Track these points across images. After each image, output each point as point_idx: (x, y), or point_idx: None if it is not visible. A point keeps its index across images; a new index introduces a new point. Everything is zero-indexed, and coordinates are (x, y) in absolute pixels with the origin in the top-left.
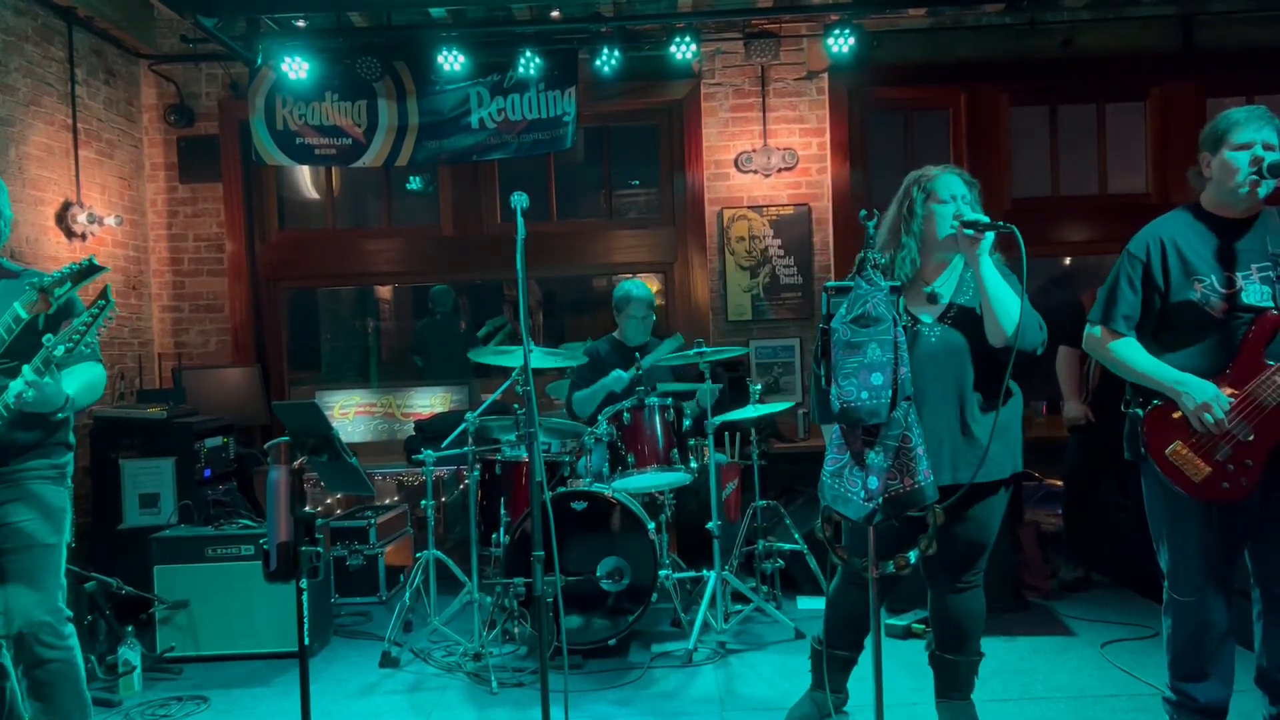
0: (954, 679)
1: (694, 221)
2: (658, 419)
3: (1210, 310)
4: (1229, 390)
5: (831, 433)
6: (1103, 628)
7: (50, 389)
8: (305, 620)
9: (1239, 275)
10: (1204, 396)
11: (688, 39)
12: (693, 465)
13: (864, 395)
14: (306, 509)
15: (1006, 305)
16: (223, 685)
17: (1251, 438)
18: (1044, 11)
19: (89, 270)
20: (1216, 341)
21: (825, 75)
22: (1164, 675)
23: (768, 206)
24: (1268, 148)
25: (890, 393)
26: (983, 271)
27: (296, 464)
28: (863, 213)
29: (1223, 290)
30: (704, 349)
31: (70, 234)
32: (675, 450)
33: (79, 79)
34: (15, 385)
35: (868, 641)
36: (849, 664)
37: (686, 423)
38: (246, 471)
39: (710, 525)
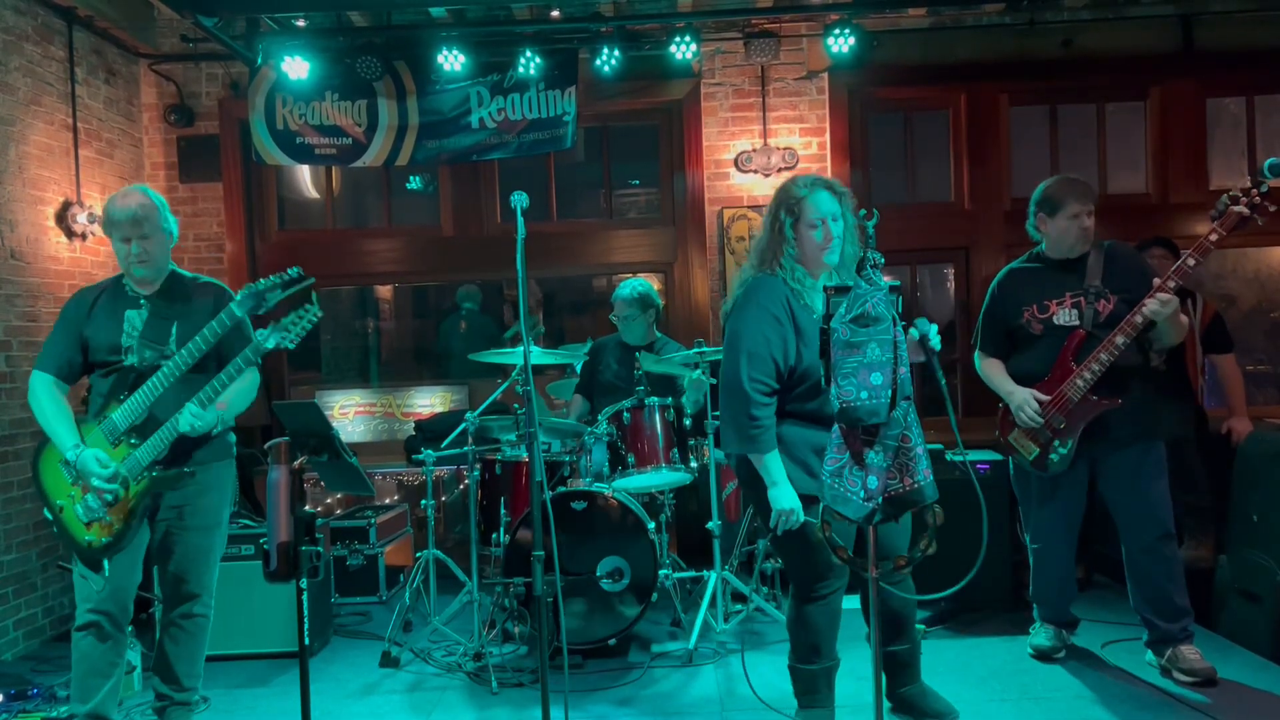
0: (909, 669)
1: (694, 221)
2: (658, 418)
3: (1031, 330)
4: (1044, 392)
5: (776, 461)
6: (1103, 628)
7: (210, 417)
8: (305, 620)
9: (1054, 302)
10: (1016, 402)
11: (688, 39)
12: (693, 465)
13: (863, 395)
14: (306, 509)
15: None
16: (223, 685)
17: (1063, 425)
18: (1044, 11)
19: (297, 280)
20: (1042, 351)
21: (825, 75)
22: (1155, 674)
23: (768, 206)
24: (1090, 215)
25: (890, 392)
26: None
27: (296, 464)
28: (862, 212)
29: (1040, 315)
30: (704, 349)
31: (70, 234)
32: (675, 450)
33: (79, 78)
34: (184, 418)
35: (855, 643)
36: (835, 672)
37: (687, 422)
38: (247, 472)
39: (710, 525)
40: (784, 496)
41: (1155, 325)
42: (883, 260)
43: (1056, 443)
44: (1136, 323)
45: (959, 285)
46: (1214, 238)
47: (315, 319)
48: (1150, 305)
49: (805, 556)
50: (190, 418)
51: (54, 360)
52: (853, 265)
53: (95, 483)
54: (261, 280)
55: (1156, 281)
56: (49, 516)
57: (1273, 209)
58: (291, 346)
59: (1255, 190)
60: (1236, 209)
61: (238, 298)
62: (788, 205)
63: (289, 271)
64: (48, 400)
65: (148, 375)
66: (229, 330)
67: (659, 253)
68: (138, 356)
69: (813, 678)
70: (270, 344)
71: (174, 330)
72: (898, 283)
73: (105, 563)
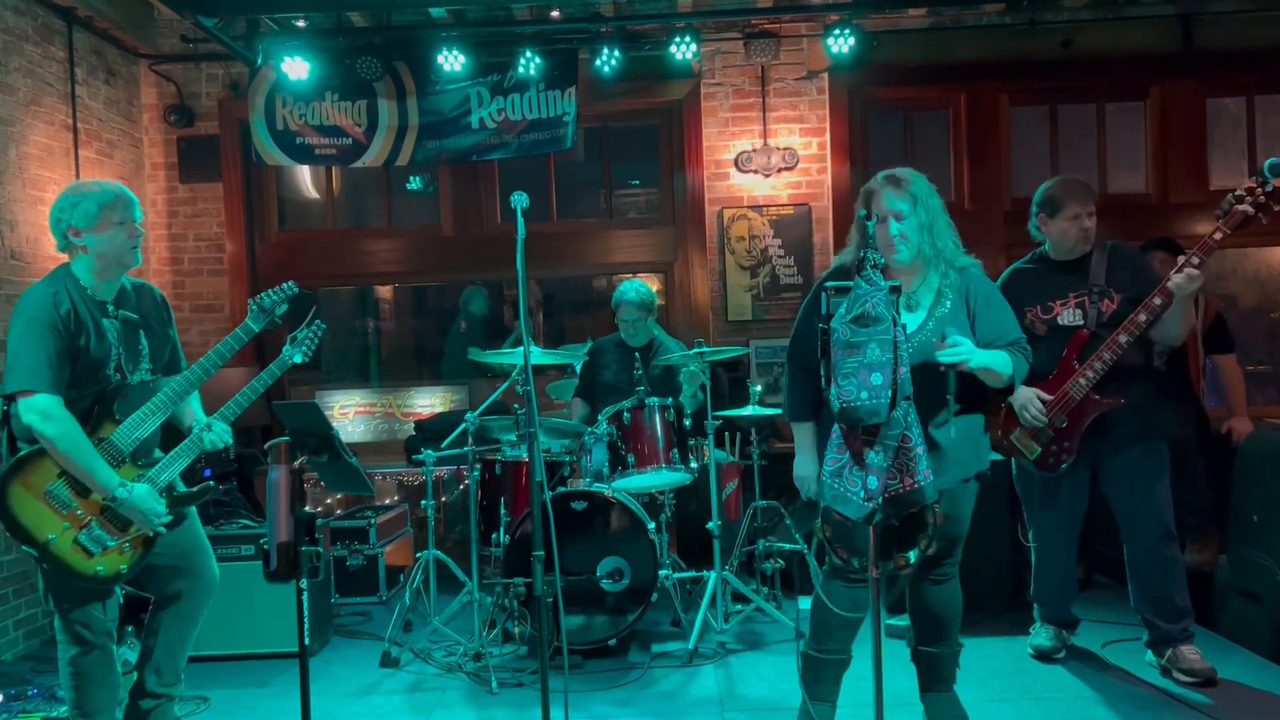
0: (937, 672)
1: (694, 221)
2: (658, 418)
3: (1035, 330)
4: (1047, 391)
5: (802, 433)
6: (1103, 628)
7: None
8: (305, 620)
9: (1058, 303)
10: (1019, 401)
11: (688, 39)
12: (693, 465)
13: (864, 395)
14: (306, 509)
15: (1000, 369)
16: (223, 685)
17: (1066, 424)
18: (1044, 11)
19: (299, 296)
20: (1045, 351)
21: (825, 75)
22: (1155, 674)
23: (768, 206)
24: (1090, 216)
25: (890, 392)
26: (977, 366)
27: (296, 464)
28: (862, 212)
29: (1044, 316)
30: (704, 349)
31: None
32: (675, 450)
33: (79, 79)
34: (217, 436)
35: (856, 644)
36: (844, 667)
37: (687, 422)
38: (246, 471)
39: (710, 525)
40: (799, 464)
41: (1159, 322)
42: (883, 260)
43: (1065, 443)
44: (1140, 321)
45: None
46: (1218, 236)
47: (321, 331)
48: (1176, 279)
49: (836, 537)
50: (224, 435)
51: (55, 380)
52: (935, 261)
53: (155, 522)
54: (265, 297)
55: (1181, 258)
56: (32, 553)
57: (1277, 208)
58: (306, 360)
59: (1260, 189)
60: (1241, 208)
61: (250, 315)
62: (864, 200)
63: (286, 286)
64: (78, 430)
65: (135, 392)
66: (173, 340)
67: (659, 253)
68: (127, 374)
69: (820, 667)
70: (297, 359)
71: (143, 340)
72: (898, 283)
73: (118, 589)
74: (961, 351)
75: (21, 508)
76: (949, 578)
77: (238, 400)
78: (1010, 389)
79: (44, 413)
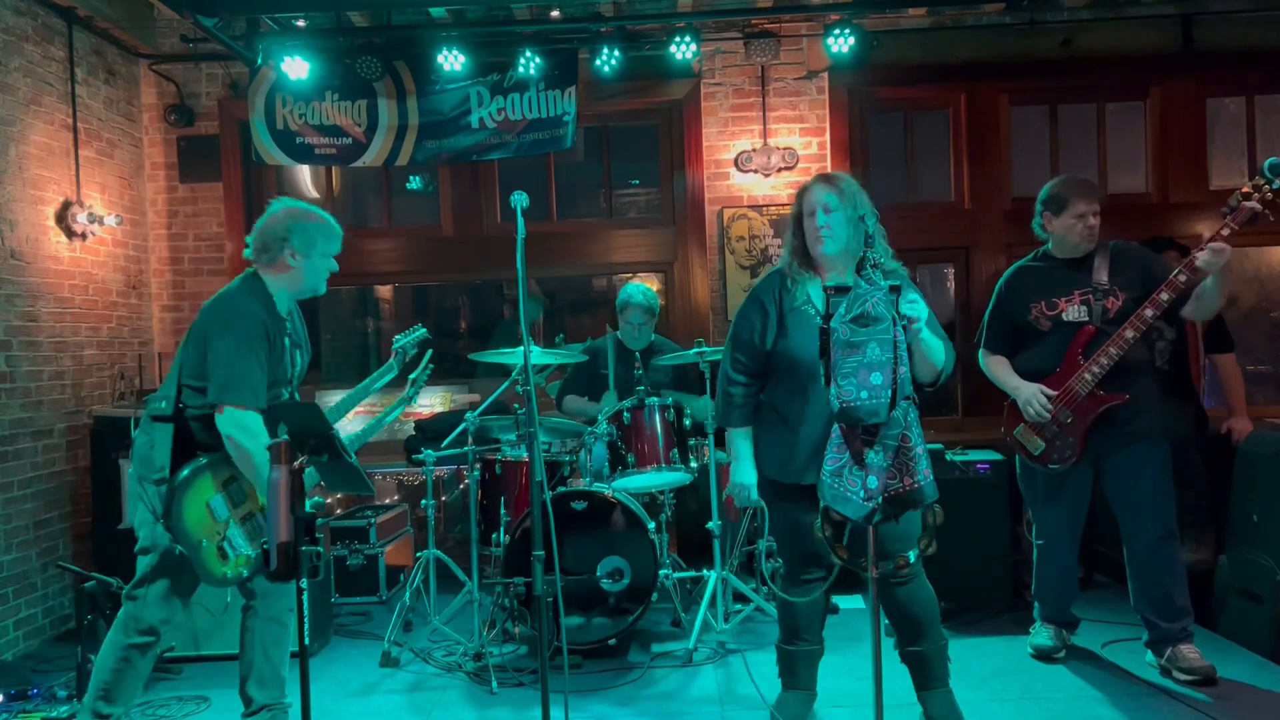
0: (928, 670)
1: (694, 221)
2: (658, 418)
3: (1040, 327)
4: (1052, 387)
5: (743, 439)
6: (1103, 628)
7: None
8: (305, 620)
9: (1063, 299)
10: (1024, 396)
11: (688, 39)
12: (693, 465)
13: (863, 395)
14: (307, 508)
15: (937, 349)
16: (223, 685)
17: (1071, 419)
18: (1044, 11)
19: (426, 339)
20: (1050, 347)
21: (825, 75)
22: (1155, 673)
23: (768, 206)
24: (1095, 215)
25: (890, 392)
26: (925, 336)
27: (297, 464)
28: (861, 212)
29: (1049, 312)
30: (704, 349)
31: (70, 233)
32: (675, 450)
33: (79, 79)
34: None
35: (856, 643)
36: (817, 657)
37: (687, 422)
38: None
39: (710, 525)
40: (739, 471)
41: (1197, 299)
42: (883, 260)
43: (1069, 438)
44: (1146, 316)
45: (959, 285)
46: (1226, 232)
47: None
48: (1203, 256)
49: (784, 541)
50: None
51: (265, 396)
52: (858, 257)
53: None
54: (405, 341)
55: (1205, 235)
56: (184, 551)
57: None
58: (415, 402)
59: (1266, 186)
60: (1249, 204)
61: (395, 358)
62: (797, 200)
63: (418, 329)
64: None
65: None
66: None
67: (659, 253)
68: (293, 393)
69: (793, 659)
70: (415, 402)
71: (298, 359)
72: (898, 282)
73: (228, 593)
74: (919, 308)
75: (189, 512)
76: (912, 576)
77: (364, 432)
78: (935, 384)
79: (252, 431)
